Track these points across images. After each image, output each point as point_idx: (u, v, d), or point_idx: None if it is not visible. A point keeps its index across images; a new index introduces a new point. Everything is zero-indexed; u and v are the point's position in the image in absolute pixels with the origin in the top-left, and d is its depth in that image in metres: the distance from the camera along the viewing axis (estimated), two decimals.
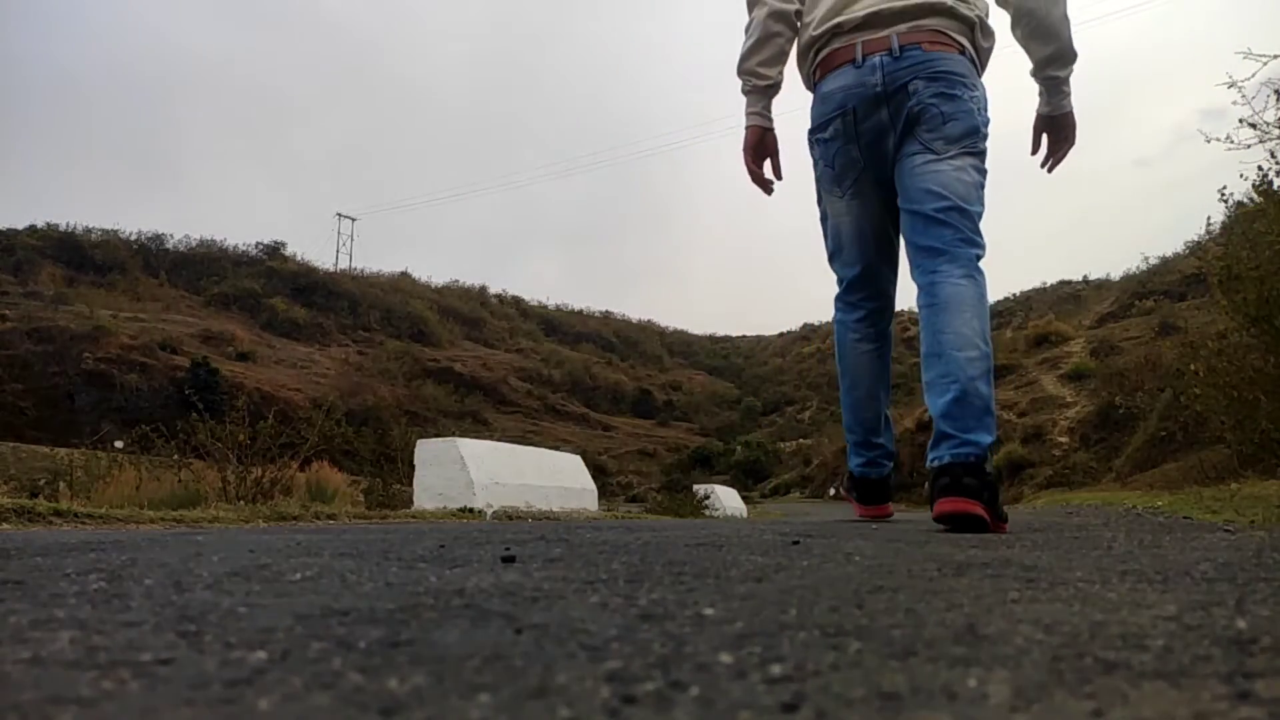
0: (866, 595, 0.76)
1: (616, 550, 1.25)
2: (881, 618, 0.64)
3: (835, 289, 2.67)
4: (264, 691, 0.41)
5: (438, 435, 5.75)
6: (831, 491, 23.63)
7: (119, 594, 0.76)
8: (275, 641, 0.54)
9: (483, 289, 62.85)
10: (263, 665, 0.47)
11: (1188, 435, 9.17)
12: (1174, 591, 0.79)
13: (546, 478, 5.56)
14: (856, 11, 2.32)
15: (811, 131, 2.47)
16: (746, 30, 2.47)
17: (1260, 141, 5.11)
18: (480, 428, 33.45)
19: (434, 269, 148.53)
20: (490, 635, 0.56)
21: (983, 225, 2.27)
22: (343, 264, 59.69)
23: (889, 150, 2.34)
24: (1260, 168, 5.27)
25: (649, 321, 70.56)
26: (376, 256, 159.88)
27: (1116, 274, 39.72)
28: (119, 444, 7.10)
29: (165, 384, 30.13)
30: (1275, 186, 5.24)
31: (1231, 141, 5.11)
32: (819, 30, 2.38)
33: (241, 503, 4.04)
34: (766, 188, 2.60)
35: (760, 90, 2.47)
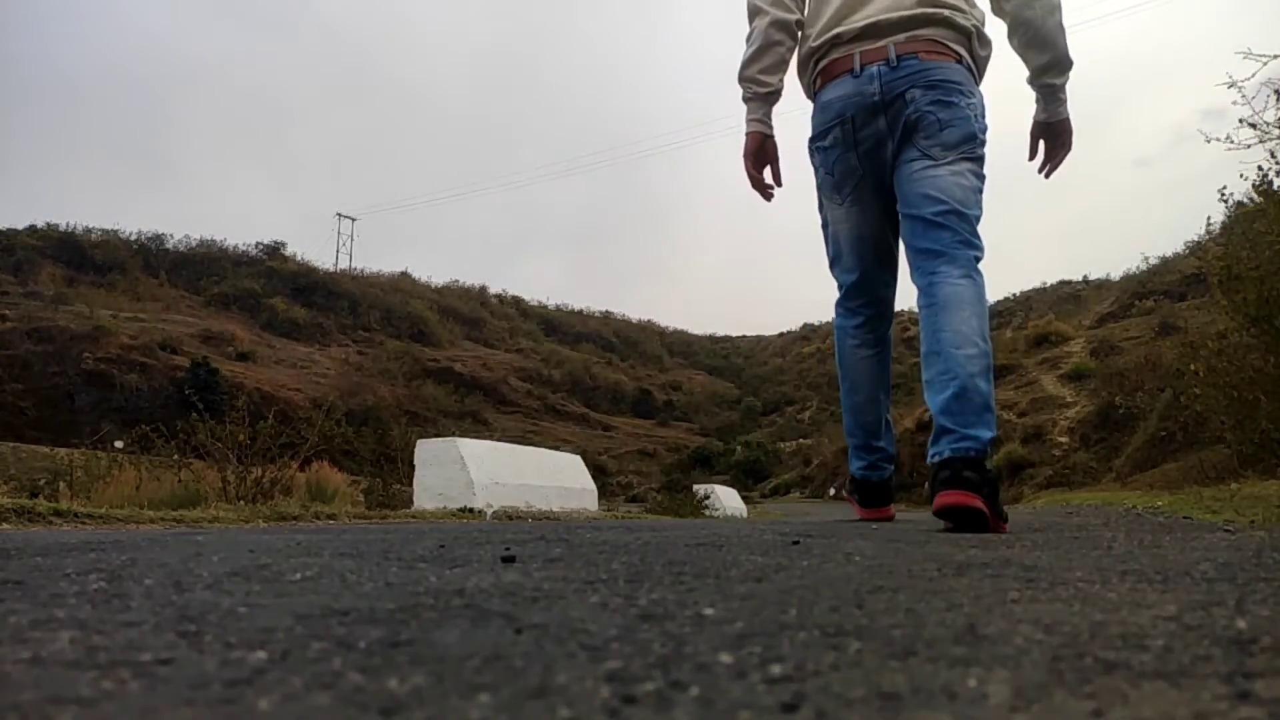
0: (866, 595, 0.76)
1: (616, 550, 1.25)
2: (881, 618, 0.64)
3: (836, 293, 2.71)
4: (264, 691, 0.41)
5: (438, 435, 5.76)
6: (831, 491, 23.64)
7: (119, 594, 0.76)
8: (275, 641, 0.54)
9: (483, 289, 62.95)
10: (263, 665, 0.47)
11: (1188, 435, 9.18)
12: (1174, 591, 0.79)
13: (546, 478, 5.56)
14: (855, 22, 2.36)
15: (812, 140, 2.52)
16: (748, 39, 2.50)
17: (1260, 141, 5.12)
18: (480, 428, 33.46)
19: (434, 269, 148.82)
20: (490, 635, 0.56)
21: (982, 227, 2.31)
22: (343, 264, 59.84)
23: (887, 158, 2.38)
24: (1260, 168, 5.27)
25: (649, 321, 70.69)
26: (376, 256, 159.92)
27: (1116, 274, 39.80)
28: (119, 444, 7.10)
29: (165, 384, 30.14)
30: (1275, 186, 5.24)
31: (1231, 141, 5.12)
32: (819, 41, 2.42)
33: (241, 503, 4.04)
34: (766, 193, 2.63)
35: (761, 97, 2.50)
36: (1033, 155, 2.56)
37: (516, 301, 64.14)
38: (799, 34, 2.50)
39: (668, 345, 66.68)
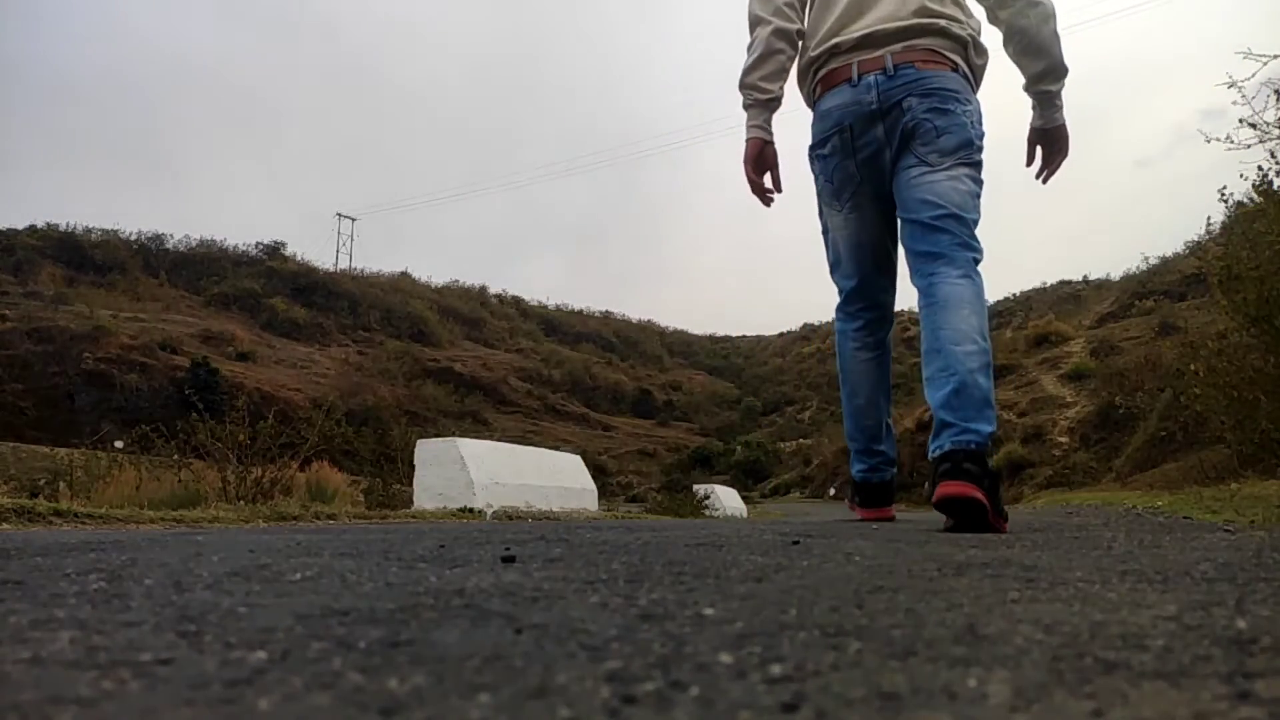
0: (866, 595, 0.76)
1: (616, 550, 1.25)
2: (881, 618, 0.64)
3: (836, 296, 2.75)
4: (264, 691, 0.41)
5: (438, 435, 5.76)
6: (832, 491, 23.66)
7: (119, 594, 0.76)
8: (275, 641, 0.54)
9: (483, 289, 62.96)
10: (263, 665, 0.47)
11: (1188, 435, 9.18)
12: (1174, 591, 0.79)
13: (546, 478, 5.56)
14: (853, 32, 2.40)
15: (811, 148, 2.56)
16: (749, 47, 2.52)
17: (1260, 141, 5.12)
18: (480, 428, 33.46)
19: (434, 269, 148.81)
20: (490, 635, 0.56)
21: (982, 227, 2.33)
22: (343, 264, 59.85)
23: (886, 165, 2.41)
24: (1260, 168, 5.28)
25: (649, 321, 70.72)
26: (376, 256, 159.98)
27: (1116, 274, 39.84)
28: (119, 444, 7.10)
29: (165, 384, 30.14)
30: (1275, 186, 5.24)
31: (1231, 141, 5.12)
32: (818, 50, 2.46)
33: (241, 503, 4.04)
34: (766, 199, 2.65)
35: (761, 104, 2.52)
36: (1030, 161, 2.59)
37: (516, 301, 64.16)
38: (800, 43, 2.53)
39: (668, 345, 66.70)
